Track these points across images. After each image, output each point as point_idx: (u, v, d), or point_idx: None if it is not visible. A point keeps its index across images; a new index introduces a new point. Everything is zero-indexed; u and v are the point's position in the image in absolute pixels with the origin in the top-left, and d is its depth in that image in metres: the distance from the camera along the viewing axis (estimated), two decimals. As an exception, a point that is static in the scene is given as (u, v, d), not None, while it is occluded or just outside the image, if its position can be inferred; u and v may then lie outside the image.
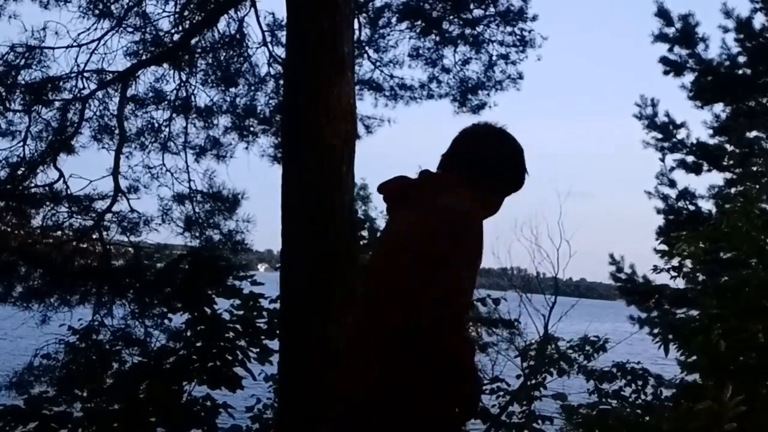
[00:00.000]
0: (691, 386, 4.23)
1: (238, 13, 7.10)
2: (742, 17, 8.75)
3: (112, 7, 6.93)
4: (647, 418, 4.86)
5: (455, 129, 2.16)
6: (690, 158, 9.40)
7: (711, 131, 9.37)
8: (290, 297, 4.20)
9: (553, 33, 8.24)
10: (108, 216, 6.80)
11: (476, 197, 2.01)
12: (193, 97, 7.41)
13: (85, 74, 6.83)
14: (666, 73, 9.27)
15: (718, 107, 9.30)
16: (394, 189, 2.08)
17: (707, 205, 9.08)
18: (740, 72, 9.01)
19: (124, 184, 6.94)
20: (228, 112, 7.66)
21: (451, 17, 7.82)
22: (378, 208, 8.37)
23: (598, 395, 6.30)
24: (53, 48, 6.66)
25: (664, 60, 9.23)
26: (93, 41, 6.82)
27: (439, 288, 1.78)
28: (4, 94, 6.52)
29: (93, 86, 6.91)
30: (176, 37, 7.20)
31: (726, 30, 8.86)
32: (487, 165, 2.07)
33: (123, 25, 6.95)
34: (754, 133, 8.86)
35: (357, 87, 5.63)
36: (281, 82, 6.98)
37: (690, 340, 3.94)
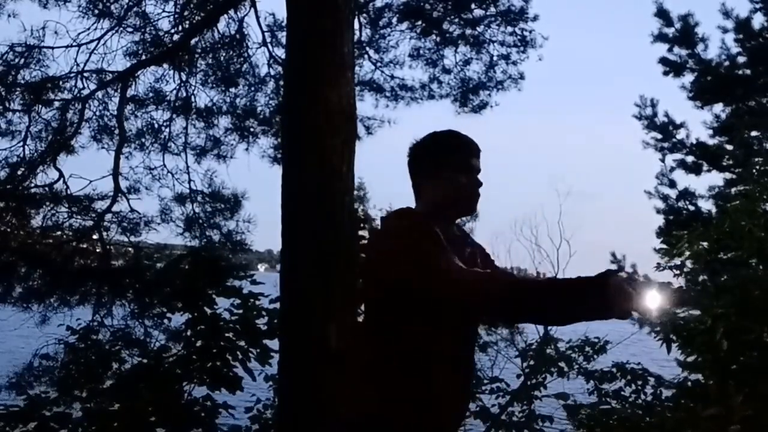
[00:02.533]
0: (692, 386, 4.23)
1: (238, 13, 7.11)
2: (741, 18, 8.75)
3: (112, 7, 6.93)
4: (648, 419, 4.86)
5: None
6: (690, 158, 9.40)
7: (711, 131, 9.37)
8: (290, 297, 4.19)
9: (553, 33, 8.24)
10: (108, 216, 6.80)
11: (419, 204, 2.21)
12: (193, 97, 7.41)
13: (85, 74, 6.84)
14: (666, 73, 9.27)
15: (718, 107, 9.30)
16: None
17: (707, 205, 9.09)
18: (740, 72, 9.01)
19: (124, 184, 6.95)
20: (228, 113, 7.66)
21: (452, 17, 7.82)
22: (377, 207, 8.37)
23: (598, 395, 6.30)
24: (53, 48, 6.67)
25: (663, 60, 9.23)
26: (93, 41, 6.83)
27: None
28: (3, 93, 6.52)
29: (93, 86, 6.91)
30: (176, 37, 7.20)
31: (725, 31, 8.86)
32: (418, 159, 2.26)
33: (123, 25, 6.95)
34: (753, 133, 8.86)
35: (357, 87, 5.63)
36: (281, 82, 6.98)
37: (692, 340, 3.93)
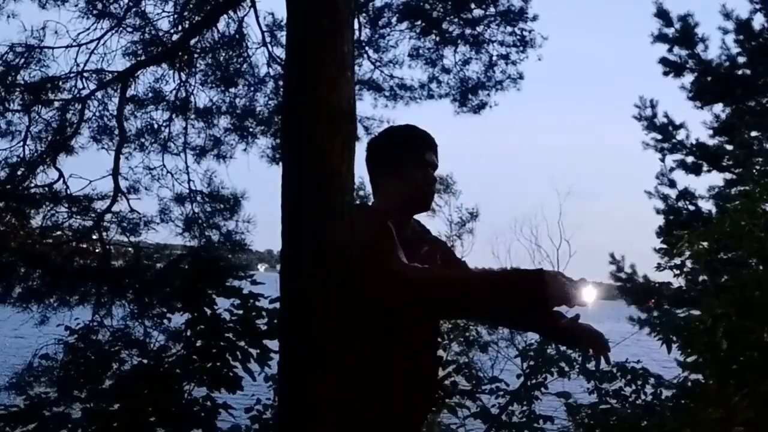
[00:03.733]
0: (692, 386, 4.23)
1: (238, 13, 7.10)
2: (741, 18, 8.77)
3: (112, 7, 6.93)
4: (648, 419, 4.86)
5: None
6: (690, 159, 9.42)
7: (711, 131, 9.39)
8: (290, 297, 4.18)
9: (553, 32, 8.25)
10: (108, 216, 6.79)
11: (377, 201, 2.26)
12: (192, 97, 7.41)
13: (85, 74, 6.83)
14: (666, 73, 9.29)
15: (718, 107, 9.32)
16: None
17: (707, 205, 9.10)
18: (740, 72, 9.02)
19: (123, 184, 6.95)
20: (227, 113, 7.66)
21: (452, 17, 7.82)
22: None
23: (598, 395, 6.30)
24: (53, 48, 6.66)
25: (663, 60, 9.24)
26: (92, 41, 6.82)
27: None
28: (3, 93, 6.51)
29: (92, 86, 6.91)
30: (176, 37, 7.19)
31: (726, 32, 8.88)
32: (374, 156, 2.31)
33: (122, 25, 6.95)
34: (753, 133, 8.87)
35: (357, 87, 5.62)
36: (280, 82, 6.98)
37: (692, 340, 3.93)
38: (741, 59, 8.95)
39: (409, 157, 2.21)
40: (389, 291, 1.95)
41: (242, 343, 5.02)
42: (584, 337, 2.12)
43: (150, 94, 7.28)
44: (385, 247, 1.99)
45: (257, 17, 7.13)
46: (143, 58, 7.06)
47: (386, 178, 2.24)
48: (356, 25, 6.63)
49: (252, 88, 7.55)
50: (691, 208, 9.17)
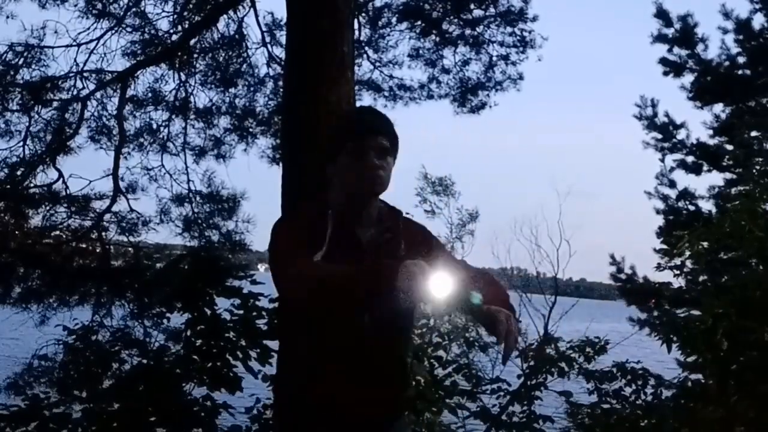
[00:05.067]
0: (692, 386, 4.23)
1: (238, 13, 7.10)
2: (741, 18, 8.77)
3: (111, 7, 6.93)
4: (648, 419, 4.86)
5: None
6: (690, 158, 9.42)
7: (711, 131, 9.39)
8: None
9: (553, 32, 8.24)
10: (107, 216, 6.79)
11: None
12: (192, 97, 7.41)
13: (84, 74, 6.83)
14: (666, 73, 9.29)
15: (718, 107, 9.32)
16: None
17: (707, 206, 9.10)
18: (740, 72, 9.02)
19: (123, 184, 6.94)
20: (227, 113, 7.66)
21: (451, 18, 7.82)
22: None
23: (597, 395, 6.30)
24: (52, 47, 6.67)
25: (663, 60, 9.24)
26: (92, 41, 6.83)
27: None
28: (2, 93, 6.51)
29: (92, 86, 6.91)
30: (175, 37, 7.19)
31: (725, 31, 8.88)
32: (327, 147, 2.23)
33: (122, 25, 6.95)
34: (753, 133, 8.87)
35: (356, 87, 5.62)
36: (280, 83, 6.97)
37: (692, 340, 3.93)
38: (741, 59, 8.96)
39: (345, 143, 2.10)
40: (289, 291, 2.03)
41: (242, 343, 5.03)
42: (491, 321, 1.91)
43: (149, 94, 7.28)
44: (281, 248, 2.03)
45: (257, 17, 7.14)
46: (143, 58, 7.06)
47: (329, 168, 2.16)
48: (356, 25, 6.62)
49: (252, 88, 7.55)
50: (691, 208, 9.17)
